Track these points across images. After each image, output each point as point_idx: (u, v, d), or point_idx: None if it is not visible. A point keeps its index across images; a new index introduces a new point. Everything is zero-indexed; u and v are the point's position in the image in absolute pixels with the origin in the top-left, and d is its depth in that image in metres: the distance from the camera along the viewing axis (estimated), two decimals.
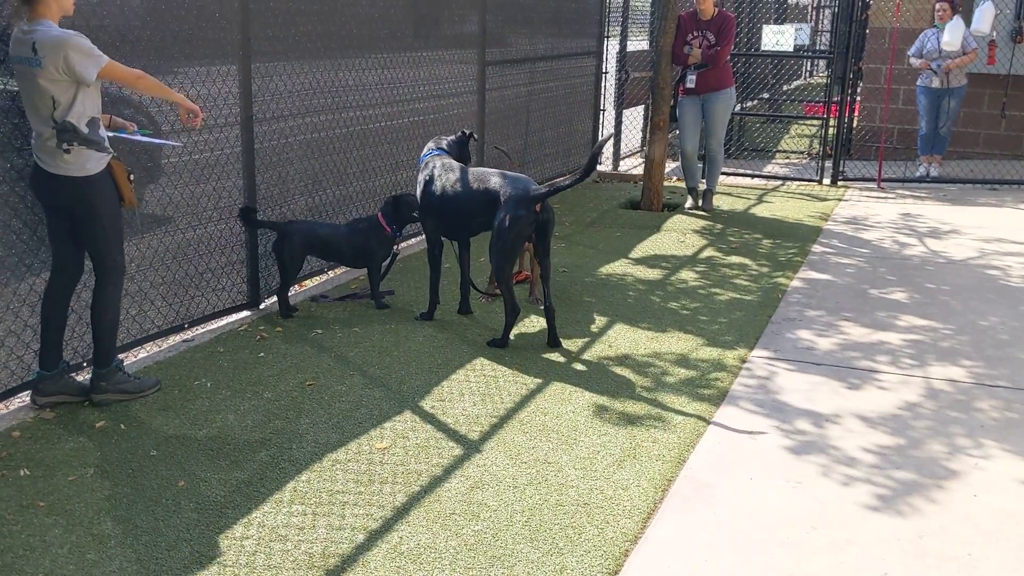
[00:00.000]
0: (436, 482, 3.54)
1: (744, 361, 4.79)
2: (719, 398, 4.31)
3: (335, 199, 6.40)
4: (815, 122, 13.77)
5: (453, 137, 5.63)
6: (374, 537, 3.18)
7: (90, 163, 4.00)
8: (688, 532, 3.20)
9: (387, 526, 3.24)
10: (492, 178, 4.99)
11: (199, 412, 4.18)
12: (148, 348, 5.03)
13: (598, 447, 3.83)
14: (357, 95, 6.47)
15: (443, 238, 5.42)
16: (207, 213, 5.31)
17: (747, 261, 6.79)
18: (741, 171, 10.44)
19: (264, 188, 5.70)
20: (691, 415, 4.13)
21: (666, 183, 8.87)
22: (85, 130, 3.93)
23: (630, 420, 4.08)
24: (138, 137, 4.40)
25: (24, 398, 4.37)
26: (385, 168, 6.91)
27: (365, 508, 3.36)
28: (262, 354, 4.89)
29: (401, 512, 3.33)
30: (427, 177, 5.31)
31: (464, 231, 5.33)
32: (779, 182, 10.24)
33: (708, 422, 4.07)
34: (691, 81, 8.24)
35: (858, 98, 11.35)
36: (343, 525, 3.25)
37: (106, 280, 4.21)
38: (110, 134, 4.20)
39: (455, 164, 5.28)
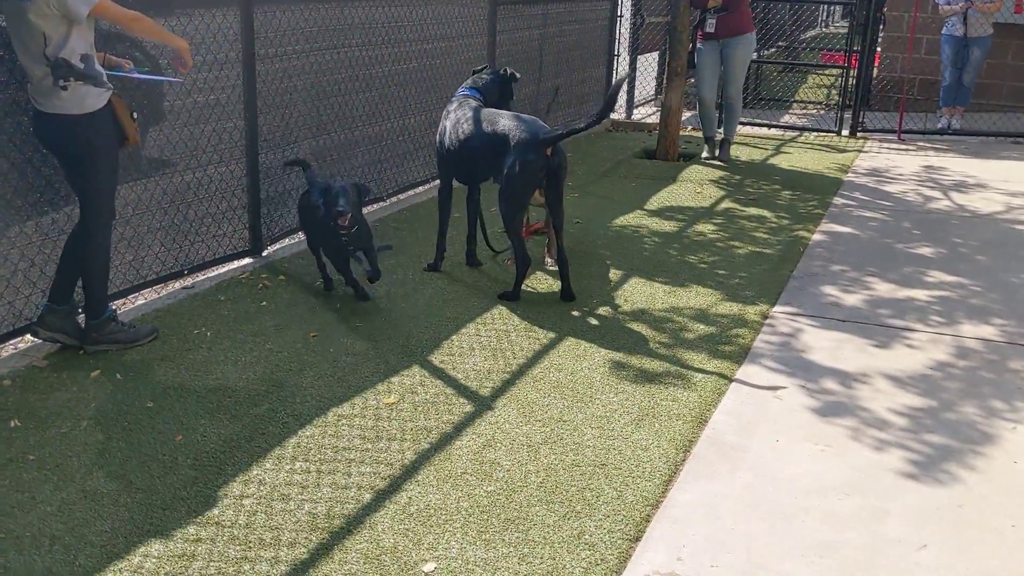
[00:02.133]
0: (446, 440, 3.37)
1: (766, 317, 4.59)
2: (741, 355, 4.12)
3: (340, 143, 6.16)
4: (833, 72, 13.44)
5: (490, 77, 5.32)
6: (381, 497, 3.01)
7: (89, 99, 3.78)
8: (712, 497, 3.03)
9: (395, 485, 3.08)
10: (501, 120, 4.75)
11: (198, 363, 4.01)
12: (146, 295, 4.85)
13: (615, 405, 3.65)
14: (363, 34, 6.20)
15: (458, 183, 5.21)
16: (207, 156, 5.09)
17: (766, 213, 6.56)
18: (758, 121, 10.15)
19: (267, 130, 5.47)
20: (712, 373, 3.94)
21: (681, 132, 8.60)
22: (80, 65, 3.71)
23: (648, 378, 3.90)
24: (135, 75, 4.17)
25: (15, 346, 4.20)
26: (392, 112, 6.66)
27: (372, 466, 3.19)
28: (264, 303, 4.71)
29: (410, 471, 3.16)
30: (445, 115, 5.11)
31: (473, 175, 5.09)
32: (797, 133, 9.97)
33: (730, 380, 3.88)
34: (711, 25, 7.93)
35: (878, 48, 11.00)
36: (348, 484, 3.08)
37: (97, 225, 4.01)
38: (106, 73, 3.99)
39: (472, 104, 5.03)
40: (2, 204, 4.02)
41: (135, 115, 4.02)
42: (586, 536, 2.81)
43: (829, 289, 5.00)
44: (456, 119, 4.98)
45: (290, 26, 5.54)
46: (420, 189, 7.12)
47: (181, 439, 3.37)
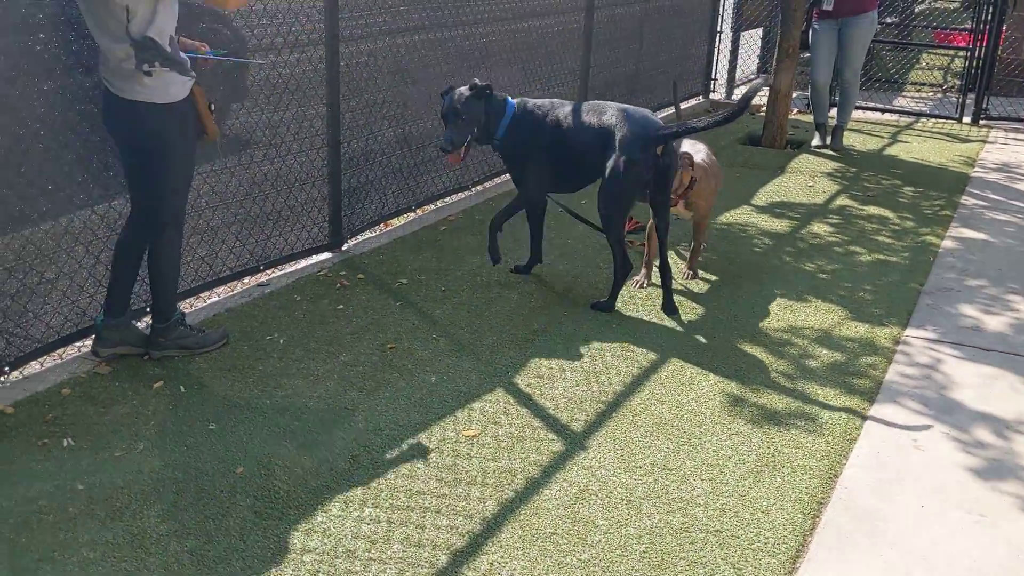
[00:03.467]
0: (533, 487, 2.96)
1: (898, 342, 4.05)
2: (873, 391, 3.61)
3: (425, 131, 5.78)
4: (948, 52, 12.50)
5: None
6: (459, 560, 2.63)
7: (173, 87, 3.44)
8: None
9: (475, 545, 2.69)
10: (608, 111, 4.26)
11: (267, 375, 3.69)
12: (219, 292, 4.56)
13: (728, 451, 3.19)
14: (453, 12, 5.79)
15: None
16: (286, 144, 4.77)
17: (887, 213, 5.96)
18: (870, 104, 9.43)
19: (349, 116, 5.12)
20: (840, 412, 3.44)
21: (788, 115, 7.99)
22: (168, 49, 3.37)
23: (766, 415, 3.42)
24: (212, 57, 3.82)
25: (79, 348, 3.95)
26: None
27: (449, 517, 2.81)
28: (341, 306, 4.37)
29: (492, 526, 2.77)
30: (539, 113, 4.43)
31: (572, 179, 4.53)
32: (913, 118, 9.23)
33: (862, 422, 3.38)
34: (828, 3, 7.28)
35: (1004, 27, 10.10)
36: (422, 540, 2.71)
37: (169, 225, 3.72)
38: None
39: (561, 101, 4.52)
40: (64, 196, 3.75)
41: (213, 107, 3.69)
42: None
43: (967, 309, 4.42)
44: (557, 115, 4.39)
45: (376, 4, 5.16)
46: (507, 177, 6.70)
47: (242, 472, 3.04)
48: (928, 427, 3.36)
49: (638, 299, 4.49)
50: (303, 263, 4.97)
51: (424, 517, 2.81)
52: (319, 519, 2.80)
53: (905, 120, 9.14)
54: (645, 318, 4.27)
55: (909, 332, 4.15)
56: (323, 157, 5.03)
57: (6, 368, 3.66)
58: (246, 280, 4.72)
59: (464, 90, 4.35)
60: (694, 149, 4.63)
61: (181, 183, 3.70)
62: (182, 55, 3.48)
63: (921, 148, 7.84)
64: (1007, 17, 9.76)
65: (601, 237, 5.01)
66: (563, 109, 4.40)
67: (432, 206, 5.99)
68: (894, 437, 3.28)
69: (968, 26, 9.09)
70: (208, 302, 4.48)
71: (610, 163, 4.13)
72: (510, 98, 4.48)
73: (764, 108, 8.09)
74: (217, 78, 4.36)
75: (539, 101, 4.49)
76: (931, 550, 2.68)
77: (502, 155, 4.61)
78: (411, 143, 5.66)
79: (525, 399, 3.52)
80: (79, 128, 3.75)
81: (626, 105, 4.32)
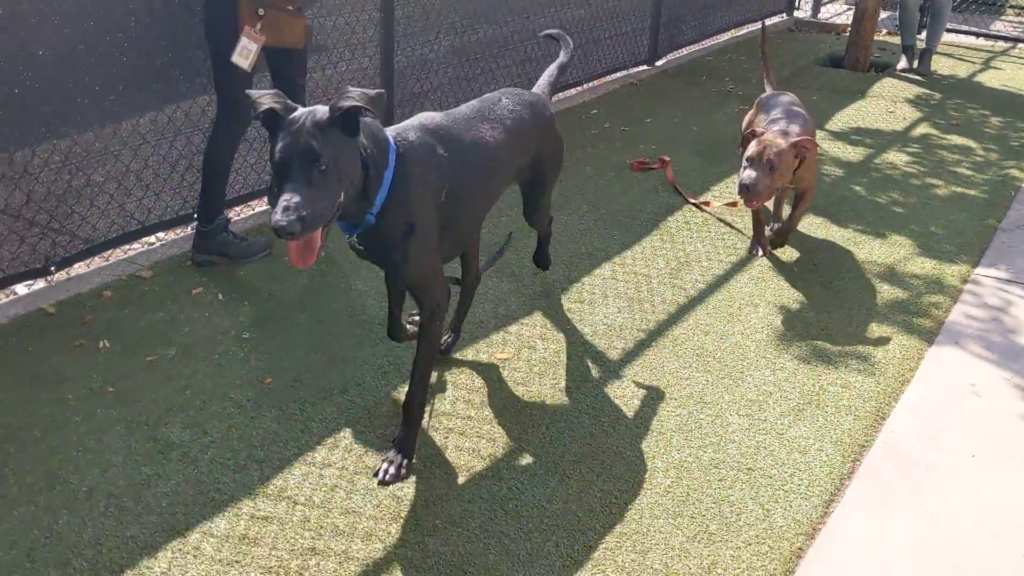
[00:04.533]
0: (560, 415, 2.86)
1: (966, 280, 3.81)
2: (934, 331, 3.40)
3: (487, 39, 5.58)
4: None
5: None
6: (476, 483, 2.56)
7: None
8: (885, 533, 2.41)
9: (494, 470, 2.61)
10: (519, 98, 2.97)
11: (305, 289, 3.64)
12: (263, 202, 4.51)
13: (770, 387, 3.04)
14: None
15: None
16: (337, 51, 4.64)
17: (971, 143, 5.60)
18: (964, 28, 8.85)
19: (404, 23, 4.95)
20: (895, 352, 3.25)
21: (875, 36, 7.53)
22: None
23: (814, 352, 3.25)
24: None
25: (124, 251, 3.95)
26: (540, 5, 5.99)
27: (472, 440, 2.73)
28: None
29: (513, 452, 2.68)
30: (440, 137, 2.57)
31: (485, 212, 2.92)
32: (1010, 44, 8.64)
33: (917, 364, 3.18)
34: None
35: None
36: (443, 460, 2.64)
37: (219, 122, 3.69)
38: None
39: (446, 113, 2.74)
40: (112, 99, 3.70)
41: (261, 11, 3.55)
42: (718, 571, 2.27)
43: None
44: (466, 135, 2.67)
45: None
46: (573, 92, 6.49)
47: (270, 382, 3.01)
48: (988, 372, 3.15)
49: (693, 225, 4.31)
50: None
51: (447, 439, 2.74)
52: (342, 434, 2.76)
53: (1001, 45, 8.57)
54: (698, 246, 4.09)
55: (980, 271, 3.90)
56: (376, 65, 4.89)
57: (52, 268, 3.68)
58: None
59: (322, 116, 2.18)
60: (790, 119, 3.82)
61: (227, 76, 3.60)
62: None
63: (1015, 76, 7.34)
64: None
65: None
66: (466, 120, 2.73)
67: None
68: (951, 381, 3.09)
69: None
70: (256, 210, 4.44)
71: (546, 155, 3.08)
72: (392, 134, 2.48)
73: (849, 28, 7.66)
74: None
75: (416, 124, 2.58)
76: (979, 502, 2.52)
77: (383, 238, 2.46)
78: (471, 52, 5.48)
79: (563, 323, 3.40)
80: (132, 31, 3.68)
81: (507, 89, 3.03)
